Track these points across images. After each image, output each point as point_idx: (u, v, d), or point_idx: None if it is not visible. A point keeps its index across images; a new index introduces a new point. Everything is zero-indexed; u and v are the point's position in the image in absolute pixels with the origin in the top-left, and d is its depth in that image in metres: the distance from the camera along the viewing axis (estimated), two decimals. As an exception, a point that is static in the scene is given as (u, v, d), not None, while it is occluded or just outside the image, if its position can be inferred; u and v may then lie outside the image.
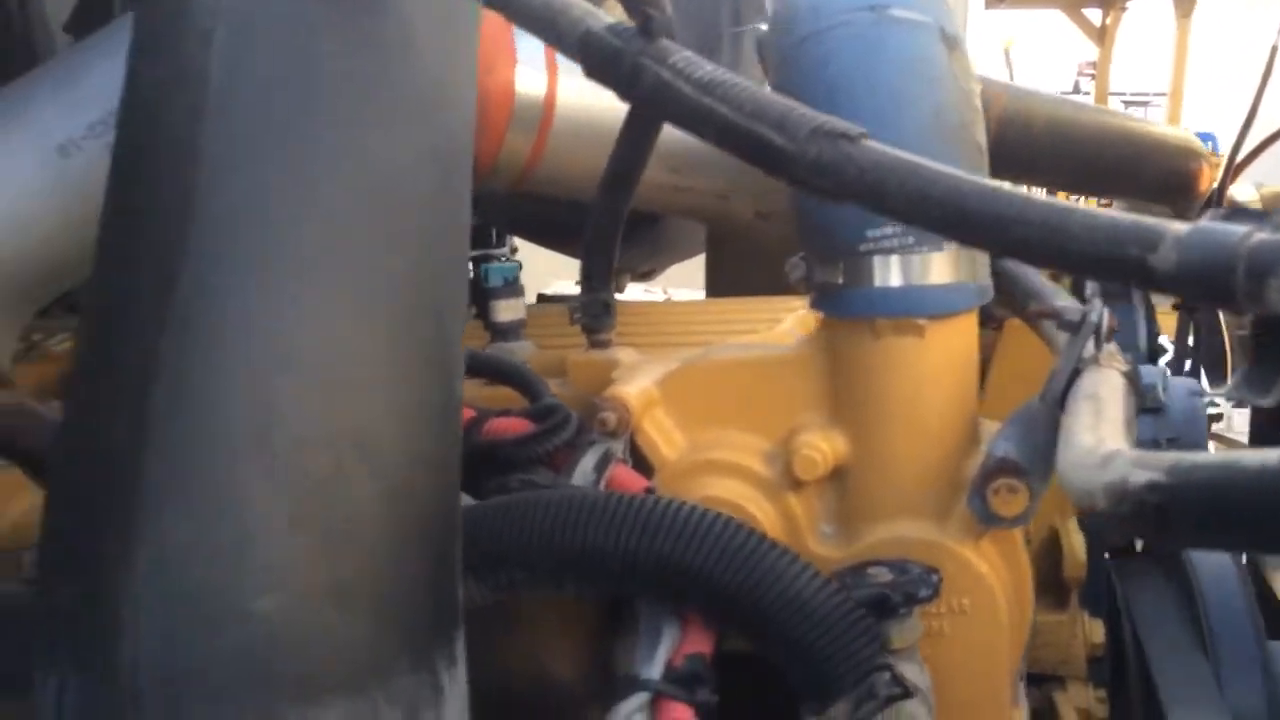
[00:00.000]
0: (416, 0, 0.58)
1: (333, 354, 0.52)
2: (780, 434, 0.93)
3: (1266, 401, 1.70)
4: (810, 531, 0.91)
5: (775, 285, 1.54)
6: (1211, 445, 2.06)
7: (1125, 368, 0.79)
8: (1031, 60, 7.72)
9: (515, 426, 0.91)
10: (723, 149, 0.56)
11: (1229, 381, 1.94)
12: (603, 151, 1.01)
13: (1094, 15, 6.43)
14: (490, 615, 0.75)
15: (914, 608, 0.78)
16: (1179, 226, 0.53)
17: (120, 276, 0.54)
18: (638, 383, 0.93)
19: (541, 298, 2.38)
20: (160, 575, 0.47)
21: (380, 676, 0.50)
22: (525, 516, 0.73)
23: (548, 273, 2.63)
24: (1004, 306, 1.02)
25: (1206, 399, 1.71)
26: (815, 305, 0.92)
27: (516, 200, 1.36)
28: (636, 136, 0.96)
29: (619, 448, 0.88)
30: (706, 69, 0.60)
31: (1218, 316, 2.18)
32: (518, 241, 2.85)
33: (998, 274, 0.95)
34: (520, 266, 1.63)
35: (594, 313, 1.10)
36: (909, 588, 0.77)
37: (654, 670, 0.70)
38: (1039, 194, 0.60)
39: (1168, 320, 2.30)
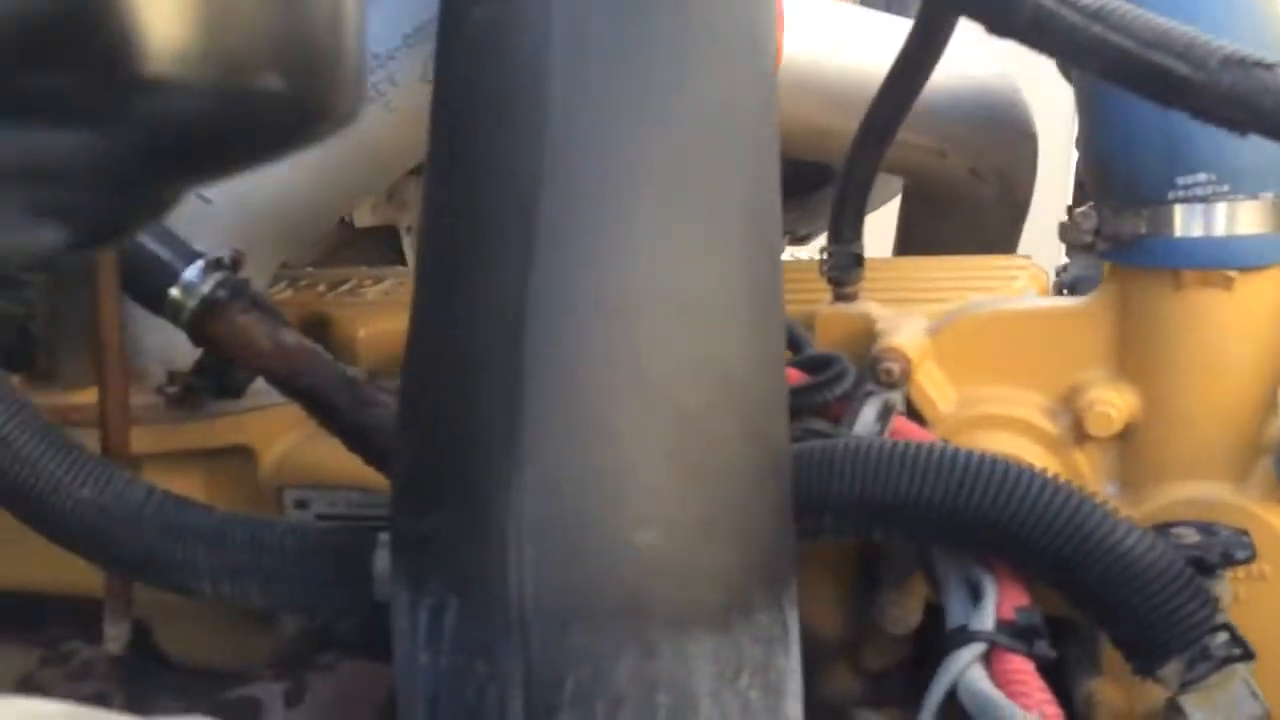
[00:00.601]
0: None
1: (696, 289, 0.52)
2: (1060, 389, 0.90)
3: None
4: (1098, 491, 0.88)
5: (974, 245, 1.51)
6: None
7: None
8: None
9: (791, 376, 0.90)
10: (1111, 81, 0.54)
11: None
12: (820, 105, 0.99)
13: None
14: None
15: (1225, 570, 0.75)
16: None
17: (470, 214, 0.55)
18: (908, 335, 0.91)
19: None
20: (545, 500, 0.48)
21: (744, 612, 0.50)
22: (834, 464, 0.72)
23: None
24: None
25: None
26: (1108, 256, 0.88)
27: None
28: (901, 89, 0.95)
29: (898, 399, 0.86)
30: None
31: None
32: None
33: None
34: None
35: (843, 265, 1.08)
36: (1224, 548, 0.74)
37: (985, 622, 0.69)
38: None
39: None
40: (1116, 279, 0.89)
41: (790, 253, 2.28)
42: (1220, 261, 0.83)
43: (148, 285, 0.85)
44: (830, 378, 0.88)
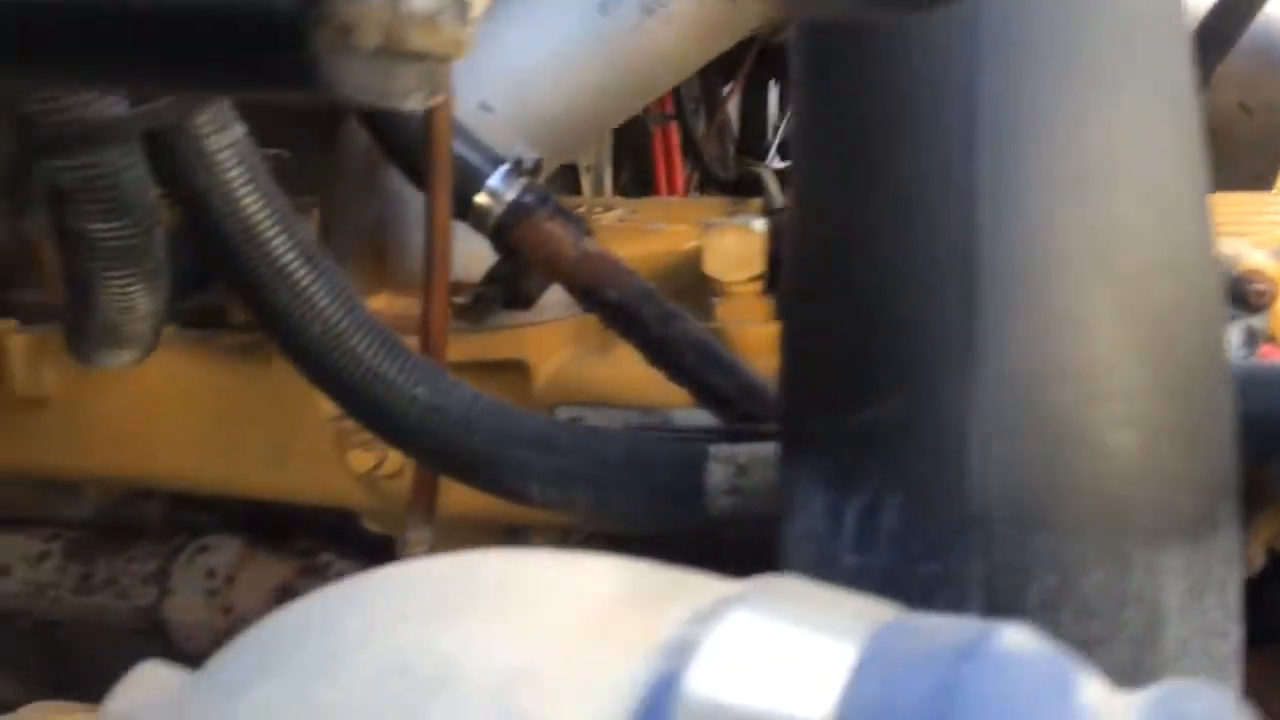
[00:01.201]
0: None
1: (1160, 171, 0.47)
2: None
3: None
4: None
5: (1241, 181, 1.42)
6: None
7: None
8: None
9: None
10: None
11: None
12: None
13: None
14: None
15: None
16: None
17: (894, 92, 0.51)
18: (1260, 260, 0.85)
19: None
20: (1008, 394, 0.44)
21: (1213, 527, 0.46)
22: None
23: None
24: None
25: None
26: None
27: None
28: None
29: (1261, 324, 0.81)
30: None
31: None
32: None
33: None
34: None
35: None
36: None
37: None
38: None
39: None
40: None
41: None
42: None
43: (453, 190, 0.83)
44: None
